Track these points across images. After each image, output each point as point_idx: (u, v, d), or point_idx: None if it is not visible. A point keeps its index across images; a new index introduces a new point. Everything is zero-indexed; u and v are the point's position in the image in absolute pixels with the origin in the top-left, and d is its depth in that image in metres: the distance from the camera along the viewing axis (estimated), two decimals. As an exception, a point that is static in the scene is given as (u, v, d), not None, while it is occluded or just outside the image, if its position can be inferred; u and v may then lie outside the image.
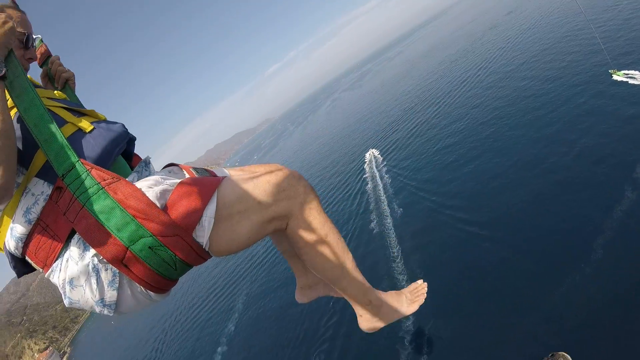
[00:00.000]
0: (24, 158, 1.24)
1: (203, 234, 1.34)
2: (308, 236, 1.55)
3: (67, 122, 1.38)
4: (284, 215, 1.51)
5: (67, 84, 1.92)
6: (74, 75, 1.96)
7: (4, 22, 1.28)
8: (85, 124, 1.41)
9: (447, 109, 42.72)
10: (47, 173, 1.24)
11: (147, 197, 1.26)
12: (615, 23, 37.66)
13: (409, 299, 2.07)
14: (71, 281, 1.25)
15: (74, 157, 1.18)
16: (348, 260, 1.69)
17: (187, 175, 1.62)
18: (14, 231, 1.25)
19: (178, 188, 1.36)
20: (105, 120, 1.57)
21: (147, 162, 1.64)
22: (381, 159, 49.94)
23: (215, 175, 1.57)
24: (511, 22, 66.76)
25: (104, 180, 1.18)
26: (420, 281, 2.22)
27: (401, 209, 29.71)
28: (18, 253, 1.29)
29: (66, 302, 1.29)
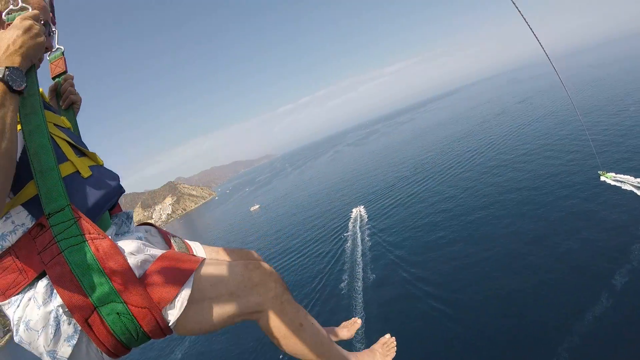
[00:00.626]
0: (15, 182, 1.16)
1: (173, 313, 1.34)
2: (281, 330, 1.56)
3: (67, 160, 1.36)
4: (255, 311, 1.52)
5: (72, 106, 1.91)
6: (81, 100, 1.97)
7: (36, 35, 1.28)
8: (84, 169, 1.39)
9: (440, 187, 43.59)
10: (33, 205, 1.20)
11: (128, 263, 1.26)
12: (610, 130, 39.65)
13: (382, 353, 2.16)
14: (27, 322, 1.19)
15: (65, 200, 1.15)
16: (325, 342, 1.71)
17: (165, 245, 1.65)
18: None
19: (158, 261, 1.38)
20: (103, 168, 1.56)
21: (128, 216, 1.64)
22: (366, 218, 50.56)
23: (193, 254, 1.58)
24: (520, 111, 69.39)
25: (90, 233, 1.16)
26: (387, 335, 2.33)
27: (374, 275, 29.54)
28: None
29: (16, 338, 1.24)
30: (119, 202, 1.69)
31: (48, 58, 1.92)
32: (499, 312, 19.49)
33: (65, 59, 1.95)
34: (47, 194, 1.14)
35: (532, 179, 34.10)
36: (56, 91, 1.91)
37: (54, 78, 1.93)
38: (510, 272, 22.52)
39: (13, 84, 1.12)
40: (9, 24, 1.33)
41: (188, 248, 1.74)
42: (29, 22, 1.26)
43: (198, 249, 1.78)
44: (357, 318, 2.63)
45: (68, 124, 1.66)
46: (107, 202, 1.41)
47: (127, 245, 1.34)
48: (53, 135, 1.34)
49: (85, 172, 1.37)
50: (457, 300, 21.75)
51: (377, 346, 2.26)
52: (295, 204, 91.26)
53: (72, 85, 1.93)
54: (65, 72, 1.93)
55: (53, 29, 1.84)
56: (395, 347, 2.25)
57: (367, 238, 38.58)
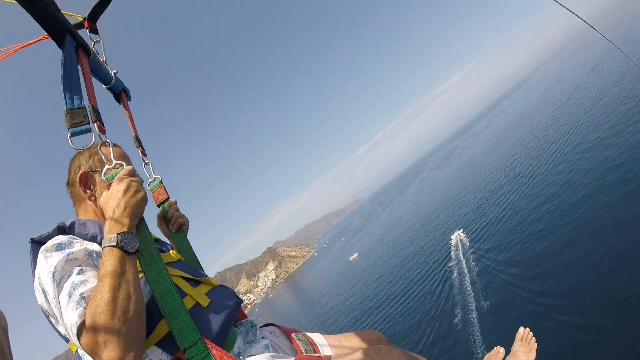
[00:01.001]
0: (147, 325, 1.22)
1: None
2: None
3: (186, 295, 1.41)
4: None
5: (182, 228, 2.01)
6: (188, 221, 2.05)
7: (136, 191, 1.34)
8: (202, 298, 1.44)
9: (536, 189, 40.10)
10: (167, 343, 1.26)
11: None
12: None
13: (524, 352, 2.19)
14: None
15: (196, 335, 1.20)
16: None
17: (290, 344, 1.69)
18: None
19: None
20: (219, 288, 1.61)
21: (252, 324, 1.68)
22: (468, 243, 47.72)
23: (318, 353, 1.66)
24: (594, 80, 63.11)
25: None
26: (521, 329, 2.37)
27: (488, 303, 27.30)
28: None
29: None
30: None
31: (149, 188, 2.07)
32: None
33: (164, 187, 2.10)
34: (179, 332, 1.19)
35: (630, 149, 29.63)
36: (164, 217, 2.03)
37: (158, 205, 2.07)
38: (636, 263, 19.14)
39: (127, 248, 1.19)
40: (109, 184, 1.39)
41: (312, 344, 1.73)
42: (126, 182, 1.34)
43: (321, 342, 1.77)
44: (499, 347, 2.61)
45: (177, 257, 1.73)
46: (230, 323, 1.45)
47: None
48: (172, 275, 1.37)
49: (204, 301, 1.43)
50: (587, 306, 19.03)
51: (516, 347, 2.29)
52: (392, 245, 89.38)
53: (177, 210, 2.04)
54: (167, 198, 2.08)
55: (146, 161, 2.06)
56: (534, 338, 2.27)
57: (473, 263, 36.39)
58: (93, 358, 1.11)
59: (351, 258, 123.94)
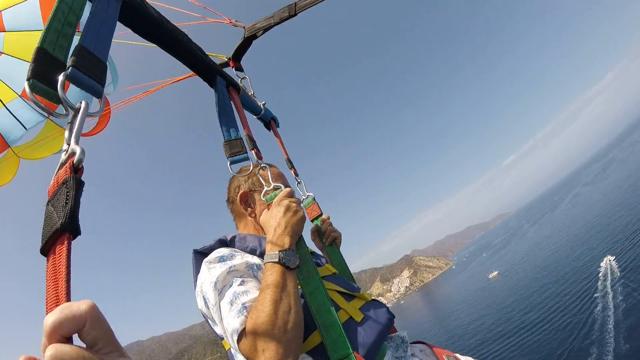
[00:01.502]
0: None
1: None
2: None
3: (340, 309, 1.42)
4: None
5: (335, 242, 2.13)
6: (341, 235, 2.17)
7: (296, 212, 1.42)
8: (356, 313, 1.44)
9: None
10: (318, 354, 1.28)
11: None
12: None
13: None
14: None
15: (348, 349, 1.21)
16: None
17: None
18: None
19: None
20: (373, 303, 1.58)
21: (403, 340, 1.61)
22: (618, 272, 43.04)
23: None
24: None
25: None
26: None
27: (627, 345, 25.07)
28: None
29: None
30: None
31: (302, 205, 2.23)
32: None
33: (317, 203, 2.27)
34: (332, 345, 1.22)
35: None
36: (318, 231, 2.19)
37: (312, 220, 2.24)
38: None
39: (289, 264, 1.25)
40: (269, 204, 1.51)
41: None
42: (285, 203, 1.43)
43: None
44: None
45: (332, 270, 1.75)
46: (382, 340, 1.42)
47: None
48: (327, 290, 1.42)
49: (358, 316, 1.43)
50: None
51: None
52: (535, 267, 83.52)
53: (331, 224, 2.20)
54: (320, 214, 2.24)
55: (299, 181, 2.26)
56: None
57: (621, 298, 33.23)
58: None
59: (490, 275, 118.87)
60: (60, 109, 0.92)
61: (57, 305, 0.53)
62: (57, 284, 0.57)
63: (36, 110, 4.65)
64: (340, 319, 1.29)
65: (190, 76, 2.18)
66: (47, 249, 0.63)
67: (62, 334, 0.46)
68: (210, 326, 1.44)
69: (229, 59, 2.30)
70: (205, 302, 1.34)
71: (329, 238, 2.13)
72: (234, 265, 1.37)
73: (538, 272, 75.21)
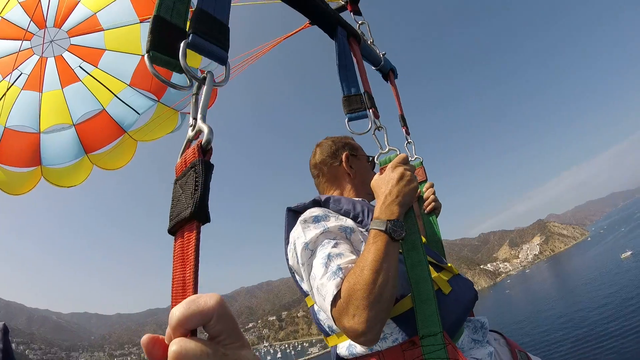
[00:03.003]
0: None
1: None
2: None
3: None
4: None
5: (434, 212, 2.06)
6: (441, 206, 2.09)
7: (409, 181, 1.35)
8: (444, 285, 1.42)
9: None
10: (404, 322, 1.28)
11: None
12: None
13: None
14: None
15: (439, 328, 1.19)
16: None
17: None
18: (353, 347, 1.37)
19: None
20: (460, 278, 1.57)
21: (483, 325, 1.57)
22: None
23: None
24: None
25: (456, 358, 1.17)
26: None
27: None
28: (344, 359, 1.46)
29: None
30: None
31: None
32: None
33: (424, 168, 2.17)
34: (423, 320, 1.20)
35: None
36: (419, 198, 2.08)
37: None
38: None
39: (395, 235, 1.21)
40: (382, 168, 1.46)
41: None
42: (400, 170, 1.37)
43: None
44: None
45: (424, 240, 1.80)
46: (465, 315, 1.42)
47: None
48: None
49: (446, 288, 1.40)
50: None
51: None
52: None
53: (434, 193, 2.08)
54: (425, 180, 2.15)
55: (409, 140, 2.15)
56: None
57: None
58: (336, 322, 1.20)
59: (623, 255, 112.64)
60: (180, 80, 0.88)
61: (183, 297, 0.54)
62: (185, 272, 0.57)
63: (146, 96, 5.03)
64: None
65: (306, 27, 2.06)
66: (174, 231, 0.63)
67: (187, 328, 0.48)
68: (297, 282, 1.54)
69: (347, 2, 2.08)
70: (297, 260, 1.42)
71: (429, 206, 2.04)
72: (328, 227, 1.41)
73: None
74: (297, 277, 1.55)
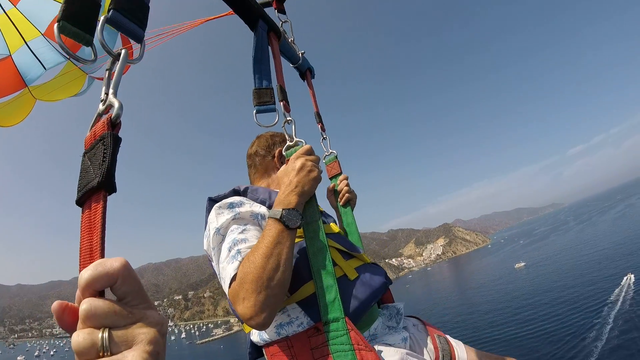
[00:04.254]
0: (294, 284, 1.31)
1: None
2: None
3: (337, 265, 1.43)
4: None
5: (349, 203, 2.13)
6: (356, 197, 2.16)
7: (309, 172, 1.38)
8: (351, 271, 1.44)
9: None
10: (309, 306, 1.31)
11: None
12: None
13: None
14: None
15: (341, 313, 1.22)
16: None
17: (430, 345, 1.64)
18: (263, 333, 1.42)
19: None
20: (370, 266, 1.58)
21: (398, 312, 1.63)
22: (634, 289, 44.35)
23: None
24: None
25: (358, 344, 1.19)
26: None
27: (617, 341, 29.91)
28: (257, 345, 1.52)
29: None
30: (389, 290, 1.74)
31: (324, 161, 2.26)
32: None
33: (339, 162, 2.23)
34: (325, 307, 1.23)
35: None
36: (334, 191, 2.18)
37: (330, 178, 2.24)
38: None
39: (289, 224, 1.24)
40: (288, 160, 1.50)
41: (451, 351, 1.65)
42: (301, 161, 1.40)
43: (461, 355, 1.67)
44: None
45: (336, 229, 1.78)
46: (371, 301, 1.43)
47: (391, 356, 1.37)
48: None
49: (352, 275, 1.43)
50: None
51: None
52: (562, 268, 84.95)
53: (347, 185, 2.15)
54: (340, 173, 2.22)
55: (324, 136, 2.22)
56: None
57: (628, 306, 37.29)
58: (232, 305, 1.23)
59: (517, 266, 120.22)
60: (85, 54, 1.05)
61: (91, 261, 0.56)
62: (92, 238, 0.59)
63: (58, 51, 4.63)
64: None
65: (227, 14, 2.08)
66: (82, 202, 0.64)
67: (95, 289, 0.49)
68: (212, 266, 1.53)
69: None
70: (209, 244, 1.46)
71: (344, 198, 2.12)
72: (239, 213, 1.45)
73: (562, 273, 76.61)
74: (212, 262, 1.50)
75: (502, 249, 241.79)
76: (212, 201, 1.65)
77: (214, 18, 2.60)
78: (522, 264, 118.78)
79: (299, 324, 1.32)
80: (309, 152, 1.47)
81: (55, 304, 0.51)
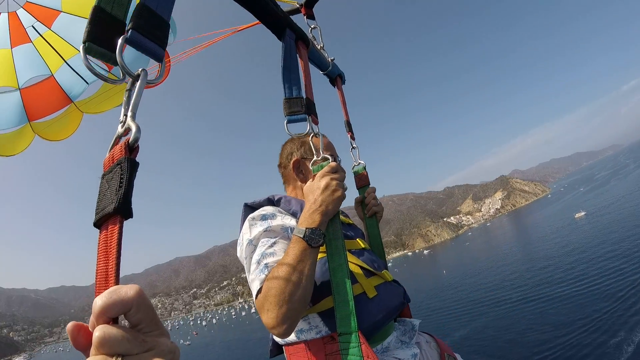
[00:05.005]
0: (316, 296, 1.40)
1: None
2: None
3: (357, 282, 1.49)
4: None
5: (375, 215, 2.13)
6: (383, 210, 2.16)
7: (334, 191, 1.39)
8: (370, 289, 1.51)
9: None
10: (329, 317, 1.40)
11: None
12: None
13: None
14: None
15: (354, 327, 1.25)
16: None
17: None
18: None
19: None
20: (390, 285, 1.65)
21: (413, 328, 1.68)
22: None
23: None
24: None
25: (367, 357, 1.23)
26: None
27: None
28: (278, 343, 1.63)
29: None
30: (407, 308, 1.82)
31: (352, 170, 2.22)
32: None
33: (367, 173, 2.21)
34: (341, 319, 1.27)
35: None
36: (362, 202, 2.16)
37: (358, 188, 2.21)
38: None
39: (311, 243, 1.28)
40: (314, 175, 1.48)
41: None
42: (326, 180, 1.41)
43: None
44: None
45: (362, 245, 1.78)
46: (386, 321, 1.49)
47: None
48: (350, 263, 1.50)
49: (371, 293, 1.49)
50: None
51: None
52: (624, 215, 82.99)
53: (375, 198, 2.15)
54: (368, 184, 2.20)
55: (354, 146, 2.16)
56: None
57: None
58: (259, 313, 1.31)
59: (577, 215, 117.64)
60: (116, 71, 0.91)
61: (106, 287, 0.57)
62: (108, 263, 0.60)
63: (98, 65, 5.45)
64: (353, 292, 1.33)
65: (255, 24, 2.05)
66: (99, 225, 0.65)
67: (109, 316, 0.50)
68: (246, 272, 1.55)
69: (301, 5, 2.09)
70: (241, 253, 1.55)
71: (370, 211, 2.12)
72: (271, 226, 1.52)
73: (624, 221, 75.26)
74: (245, 268, 1.62)
75: (563, 198, 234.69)
76: (248, 207, 1.76)
77: (241, 29, 2.59)
78: (582, 213, 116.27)
79: (318, 332, 1.43)
80: (335, 169, 1.47)
81: (70, 325, 0.53)
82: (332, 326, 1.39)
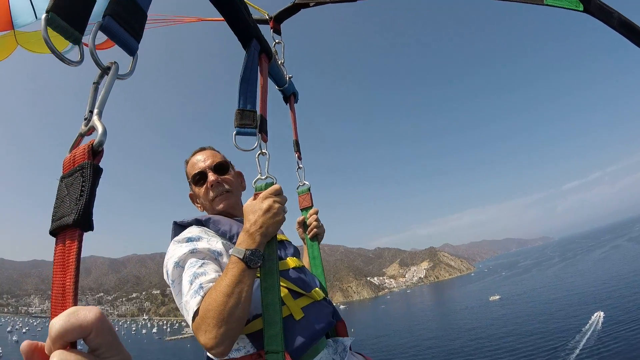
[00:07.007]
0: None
1: None
2: None
3: (284, 304, 1.51)
4: None
5: (317, 237, 2.20)
6: (324, 232, 2.23)
7: (275, 215, 1.44)
8: (297, 312, 1.54)
9: None
10: (256, 339, 1.42)
11: None
12: None
13: None
14: None
15: (280, 347, 1.30)
16: None
17: None
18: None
19: None
20: (319, 305, 1.67)
21: (345, 348, 1.72)
22: (601, 327, 45.46)
23: None
24: None
25: None
26: None
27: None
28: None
29: None
30: (344, 324, 1.85)
31: (297, 191, 2.27)
32: None
33: (311, 195, 2.24)
34: (269, 338, 1.32)
35: None
36: (304, 222, 2.22)
37: (302, 209, 2.26)
38: None
39: (251, 264, 1.32)
40: (256, 194, 1.51)
41: None
42: (268, 202, 1.44)
43: None
44: None
45: (295, 263, 1.76)
46: (312, 342, 1.52)
47: None
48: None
49: (297, 315, 1.53)
50: None
51: None
52: (536, 305, 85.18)
53: (317, 220, 2.20)
54: (311, 206, 2.24)
55: (300, 166, 2.22)
56: None
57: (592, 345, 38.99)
58: (195, 335, 1.33)
59: (492, 298, 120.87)
60: (71, 54, 0.79)
61: (63, 307, 0.53)
62: (65, 280, 0.56)
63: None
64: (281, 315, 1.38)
65: (220, 20, 2.01)
66: (56, 234, 0.60)
67: (67, 340, 0.48)
68: (174, 295, 1.56)
69: (271, 18, 2.14)
70: (167, 276, 1.52)
71: (312, 232, 2.17)
72: (197, 248, 1.51)
73: (534, 311, 77.11)
74: (173, 292, 1.56)
75: (484, 279, 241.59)
76: (177, 225, 1.76)
77: (205, 20, 2.57)
78: (497, 297, 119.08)
79: (246, 352, 1.43)
80: (278, 192, 1.49)
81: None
82: (259, 345, 1.41)
